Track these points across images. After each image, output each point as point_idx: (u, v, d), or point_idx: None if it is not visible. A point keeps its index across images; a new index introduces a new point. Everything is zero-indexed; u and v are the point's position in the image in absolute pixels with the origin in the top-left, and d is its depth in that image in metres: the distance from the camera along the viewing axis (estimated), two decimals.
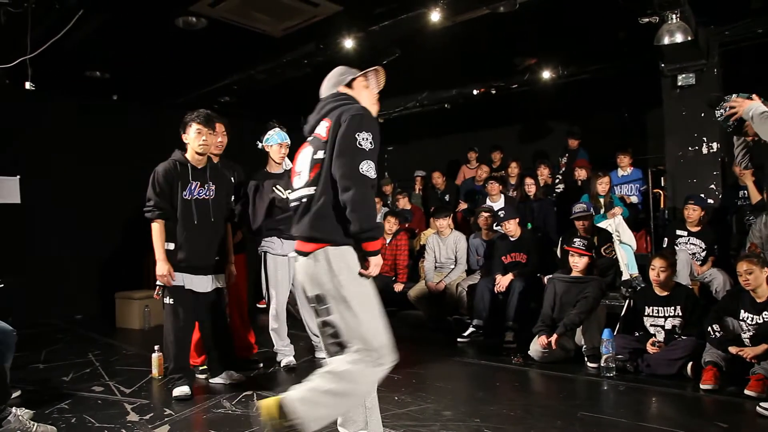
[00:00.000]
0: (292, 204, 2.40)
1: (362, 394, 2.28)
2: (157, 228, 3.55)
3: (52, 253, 6.81)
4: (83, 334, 5.89)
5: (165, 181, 3.56)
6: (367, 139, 2.17)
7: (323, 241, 2.19)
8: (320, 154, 2.24)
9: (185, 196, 3.61)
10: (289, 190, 4.19)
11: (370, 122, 2.23)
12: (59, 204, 6.92)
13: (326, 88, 2.48)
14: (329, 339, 2.30)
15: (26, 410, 3.09)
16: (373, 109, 2.44)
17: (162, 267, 3.52)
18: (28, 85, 4.84)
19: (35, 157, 6.70)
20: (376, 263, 2.21)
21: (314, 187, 2.24)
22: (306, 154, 2.34)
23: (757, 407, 3.10)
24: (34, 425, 2.88)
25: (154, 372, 4.10)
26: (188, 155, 3.67)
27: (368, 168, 2.14)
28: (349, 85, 2.44)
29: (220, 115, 3.80)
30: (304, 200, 2.28)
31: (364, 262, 2.20)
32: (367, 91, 2.47)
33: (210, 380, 3.91)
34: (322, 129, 2.29)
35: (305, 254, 2.23)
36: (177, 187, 3.59)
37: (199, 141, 3.62)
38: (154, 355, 4.10)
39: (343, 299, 2.16)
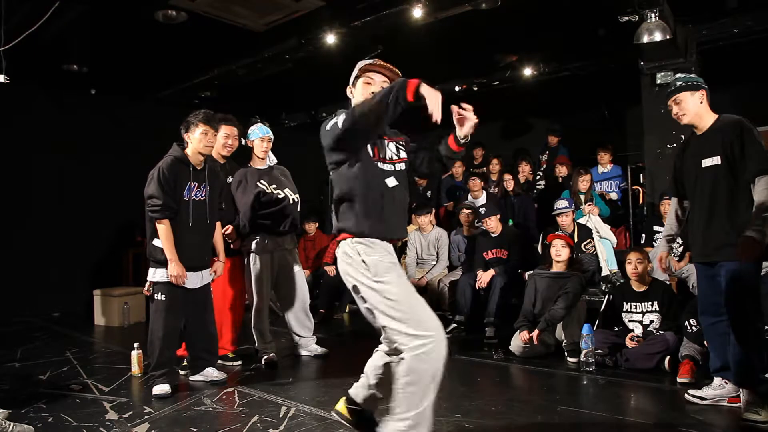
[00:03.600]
0: None
1: None
2: (165, 228, 3.49)
3: (28, 249, 6.68)
4: (61, 332, 5.78)
5: (172, 179, 3.51)
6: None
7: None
8: None
9: (184, 196, 3.58)
10: (274, 185, 4.21)
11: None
12: (35, 199, 6.81)
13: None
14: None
15: (2, 410, 3.02)
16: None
17: (175, 268, 3.49)
18: (2, 78, 4.73)
19: (10, 152, 6.57)
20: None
21: None
22: None
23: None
24: (9, 425, 2.83)
25: (134, 370, 4.04)
26: (189, 155, 3.63)
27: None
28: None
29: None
30: None
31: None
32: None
33: (190, 378, 3.87)
34: None
35: None
36: (180, 186, 3.56)
37: (204, 142, 3.60)
38: (134, 353, 4.05)
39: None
